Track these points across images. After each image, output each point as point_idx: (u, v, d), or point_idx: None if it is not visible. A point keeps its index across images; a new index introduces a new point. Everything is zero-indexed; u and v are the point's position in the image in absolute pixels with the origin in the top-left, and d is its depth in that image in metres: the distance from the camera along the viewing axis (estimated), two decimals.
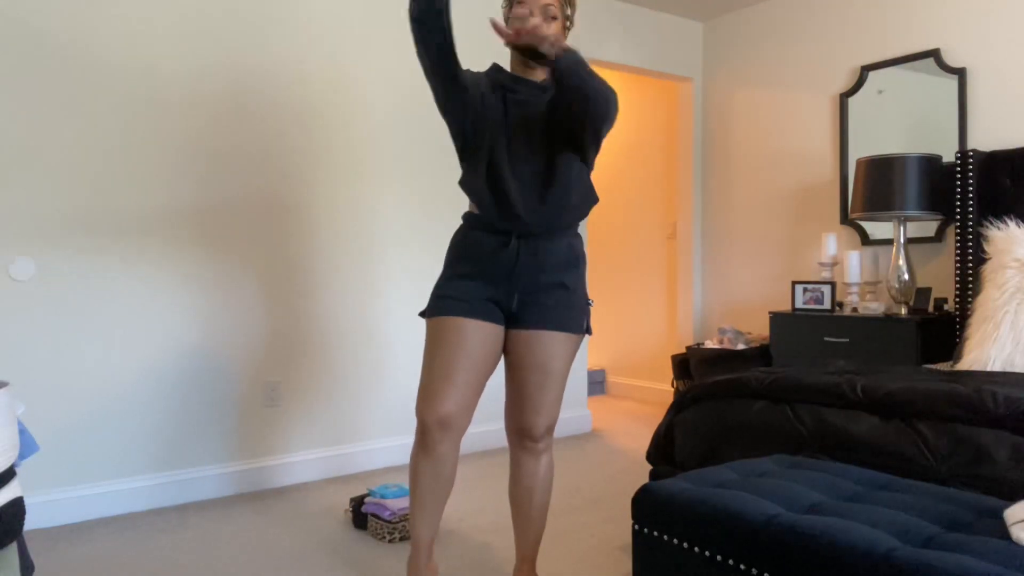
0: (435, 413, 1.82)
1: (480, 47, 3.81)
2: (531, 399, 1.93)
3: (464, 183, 1.95)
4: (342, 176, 3.40)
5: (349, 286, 3.42)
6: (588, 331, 1.99)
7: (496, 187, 1.87)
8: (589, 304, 1.99)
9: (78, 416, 2.79)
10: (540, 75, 1.94)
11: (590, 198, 1.97)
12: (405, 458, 3.56)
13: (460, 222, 2.03)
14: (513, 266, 1.87)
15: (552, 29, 1.85)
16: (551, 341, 1.90)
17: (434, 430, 1.83)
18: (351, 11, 3.41)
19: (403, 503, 2.55)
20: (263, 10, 3.18)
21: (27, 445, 1.70)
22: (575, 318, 1.93)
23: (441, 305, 1.89)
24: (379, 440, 3.52)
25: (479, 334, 1.86)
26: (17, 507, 1.54)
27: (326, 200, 3.35)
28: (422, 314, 1.98)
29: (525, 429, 1.95)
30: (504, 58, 3.74)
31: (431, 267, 3.68)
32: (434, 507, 1.91)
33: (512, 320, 1.92)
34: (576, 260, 1.95)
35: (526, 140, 1.88)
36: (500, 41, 3.81)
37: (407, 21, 1.82)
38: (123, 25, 2.86)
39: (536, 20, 1.82)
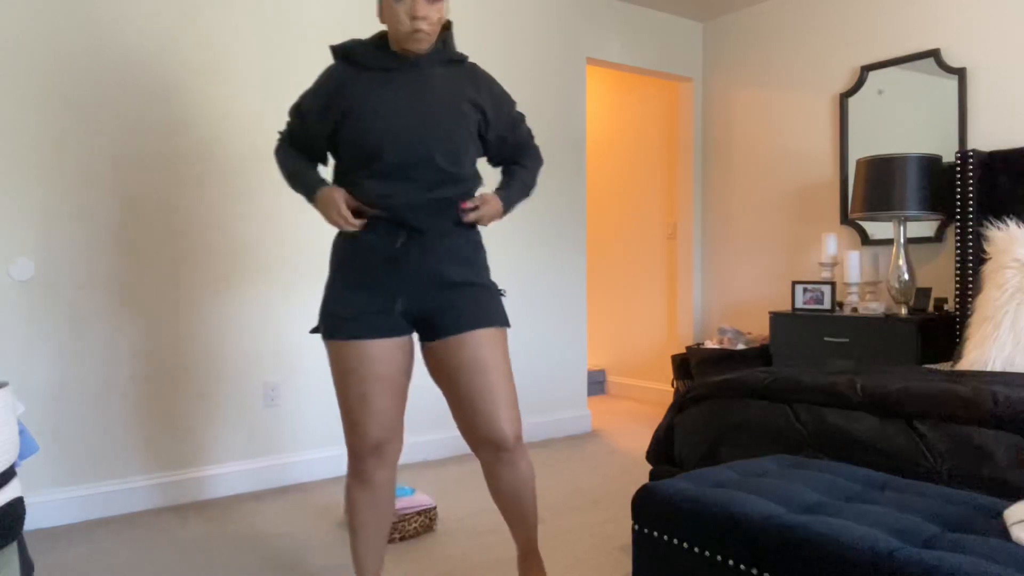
0: (365, 443, 1.76)
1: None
2: (484, 403, 1.77)
3: (344, 185, 1.79)
4: None
5: None
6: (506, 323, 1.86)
7: (381, 185, 1.73)
8: (502, 294, 1.87)
9: (78, 416, 2.79)
10: (424, 46, 1.72)
11: (477, 184, 1.84)
12: (407, 457, 3.56)
13: None
14: (406, 266, 1.74)
15: (437, 9, 1.68)
16: (477, 340, 1.76)
17: (368, 457, 1.78)
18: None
19: (403, 503, 2.55)
20: None
21: (27, 445, 1.70)
22: (494, 310, 1.81)
23: (334, 326, 1.75)
24: None
25: (383, 353, 1.75)
26: (17, 507, 1.54)
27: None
28: (314, 331, 1.84)
29: (493, 440, 1.79)
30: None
31: None
32: (377, 539, 1.85)
33: (429, 331, 1.79)
34: (475, 250, 1.83)
35: (412, 127, 1.72)
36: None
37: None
38: (123, 23, 2.87)
39: (483, 211, 1.79)
